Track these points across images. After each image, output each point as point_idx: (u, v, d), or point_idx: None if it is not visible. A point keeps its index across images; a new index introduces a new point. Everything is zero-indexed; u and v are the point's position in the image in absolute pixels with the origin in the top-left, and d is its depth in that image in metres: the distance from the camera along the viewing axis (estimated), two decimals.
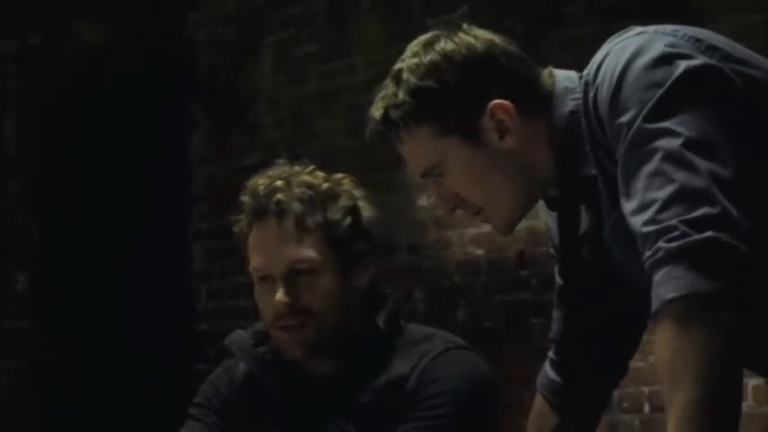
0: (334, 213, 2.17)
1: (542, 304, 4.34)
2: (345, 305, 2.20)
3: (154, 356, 5.88)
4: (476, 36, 1.86)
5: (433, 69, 1.83)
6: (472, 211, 1.90)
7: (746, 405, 4.19)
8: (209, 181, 5.83)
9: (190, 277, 5.88)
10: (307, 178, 2.19)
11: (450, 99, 1.83)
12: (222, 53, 5.93)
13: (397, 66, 1.88)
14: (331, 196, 2.19)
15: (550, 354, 2.13)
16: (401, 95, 1.84)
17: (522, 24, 4.91)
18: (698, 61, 1.69)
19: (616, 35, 1.82)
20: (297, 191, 2.16)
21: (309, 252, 2.16)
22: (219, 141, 5.89)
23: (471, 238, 5.12)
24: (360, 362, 2.20)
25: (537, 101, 1.85)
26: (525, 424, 2.15)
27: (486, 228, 5.00)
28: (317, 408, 2.21)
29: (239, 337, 2.30)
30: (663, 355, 1.58)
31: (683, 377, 1.55)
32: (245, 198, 2.19)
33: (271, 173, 2.21)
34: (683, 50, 1.71)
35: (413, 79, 1.84)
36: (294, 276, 2.16)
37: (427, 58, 1.84)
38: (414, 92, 1.84)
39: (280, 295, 2.15)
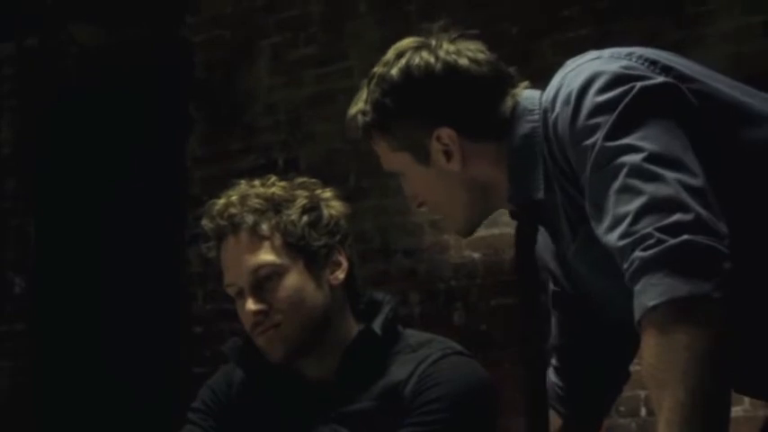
0: (290, 215, 2.21)
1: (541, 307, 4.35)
2: (321, 301, 2.21)
3: (150, 359, 5.87)
4: (439, 56, 1.90)
5: (392, 87, 1.90)
6: (433, 210, 2.00)
7: (742, 409, 4.18)
8: (206, 184, 5.82)
9: (186, 280, 5.88)
10: (261, 190, 2.23)
11: (402, 121, 1.91)
12: (219, 56, 5.92)
13: (375, 69, 1.95)
14: (286, 200, 2.22)
15: (552, 360, 2.14)
16: (367, 105, 1.93)
17: (517, 27, 4.91)
18: (654, 80, 1.71)
19: (572, 60, 1.84)
20: (250, 203, 2.21)
21: (268, 256, 2.19)
22: (216, 144, 5.88)
23: (467, 242, 5.12)
24: (357, 367, 2.20)
25: (489, 125, 1.89)
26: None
27: (483, 231, 5.01)
28: (314, 414, 2.21)
29: (236, 344, 2.31)
30: (648, 362, 1.58)
31: (669, 382, 1.55)
32: (204, 222, 2.25)
33: (230, 192, 2.25)
34: (638, 72, 1.72)
35: (377, 93, 1.92)
36: (260, 284, 2.19)
37: (391, 72, 1.91)
38: (375, 106, 1.92)
39: (249, 305, 2.19)
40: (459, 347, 2.24)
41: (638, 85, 1.69)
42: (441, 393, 2.15)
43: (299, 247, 2.20)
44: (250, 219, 2.20)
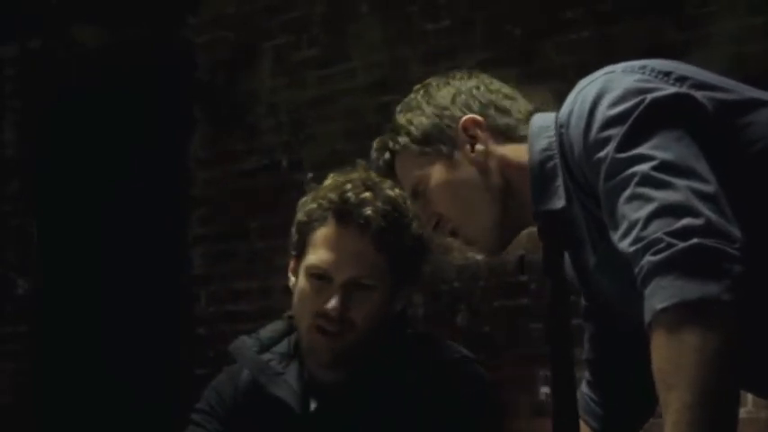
0: (407, 240, 2.17)
1: (542, 309, 4.34)
2: (382, 326, 2.19)
3: (152, 360, 5.87)
4: (471, 73, 2.05)
5: (425, 93, 2.03)
6: (448, 229, 2.02)
7: (746, 410, 4.18)
8: (209, 185, 5.82)
9: (189, 281, 5.88)
10: (390, 193, 2.17)
11: (432, 119, 2.00)
12: (222, 57, 5.93)
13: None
14: (408, 223, 2.17)
15: (585, 374, 2.16)
16: (396, 117, 2.04)
17: (520, 29, 4.90)
18: (666, 92, 1.73)
19: (586, 78, 1.87)
20: (382, 206, 2.15)
21: (376, 270, 2.15)
22: (219, 145, 5.88)
23: None
24: (364, 371, 2.20)
25: (512, 120, 1.98)
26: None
27: None
28: (321, 416, 2.21)
29: (243, 344, 2.28)
30: (657, 365, 1.59)
31: (677, 384, 1.55)
32: (332, 195, 2.16)
33: (354, 176, 2.18)
34: (651, 84, 1.75)
35: (408, 102, 2.05)
36: (352, 288, 2.15)
37: (420, 90, 2.05)
38: (404, 114, 2.03)
39: (334, 303, 2.14)
40: (464, 351, 2.24)
41: (649, 97, 1.71)
42: (444, 398, 2.15)
43: (399, 275, 2.18)
44: (381, 223, 2.13)
